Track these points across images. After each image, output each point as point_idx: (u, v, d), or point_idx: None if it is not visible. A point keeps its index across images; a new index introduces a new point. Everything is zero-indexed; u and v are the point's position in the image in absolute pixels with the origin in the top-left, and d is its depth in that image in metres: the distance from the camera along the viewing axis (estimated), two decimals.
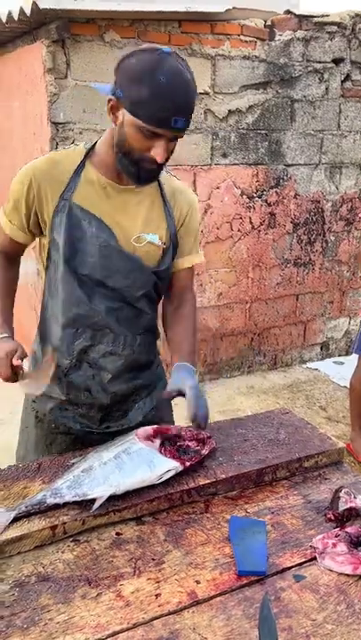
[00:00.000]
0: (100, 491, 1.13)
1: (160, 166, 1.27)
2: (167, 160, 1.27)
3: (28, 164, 1.38)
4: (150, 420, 1.47)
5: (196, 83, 1.24)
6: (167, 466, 1.20)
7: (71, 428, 1.48)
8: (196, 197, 1.50)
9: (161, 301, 1.53)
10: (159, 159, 1.23)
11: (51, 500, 1.11)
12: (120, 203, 1.36)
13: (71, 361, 1.41)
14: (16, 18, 3.05)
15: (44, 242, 1.41)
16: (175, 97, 1.18)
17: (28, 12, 2.90)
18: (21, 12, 2.97)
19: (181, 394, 1.33)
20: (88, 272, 1.35)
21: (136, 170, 1.27)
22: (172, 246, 1.44)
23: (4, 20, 3.20)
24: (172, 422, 1.61)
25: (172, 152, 1.28)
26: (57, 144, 3.14)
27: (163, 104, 1.17)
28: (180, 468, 1.21)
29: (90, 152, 1.36)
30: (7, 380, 1.30)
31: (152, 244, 1.39)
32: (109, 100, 1.24)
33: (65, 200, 1.33)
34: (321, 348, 4.47)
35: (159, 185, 1.41)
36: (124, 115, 1.22)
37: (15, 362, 1.27)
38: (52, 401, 1.47)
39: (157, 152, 1.22)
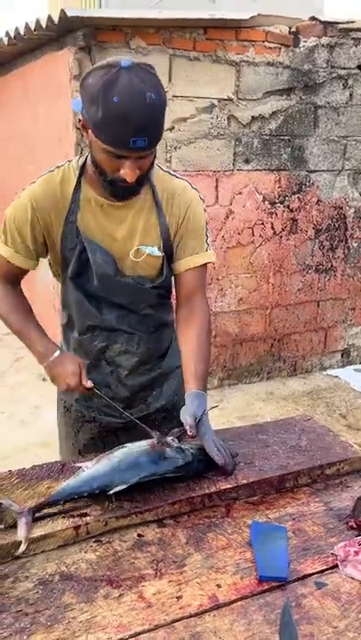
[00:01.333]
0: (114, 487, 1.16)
1: (138, 183, 1.25)
2: (145, 175, 1.26)
3: (25, 190, 1.38)
4: (173, 405, 1.52)
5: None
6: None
7: (96, 417, 1.53)
8: (195, 194, 1.43)
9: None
10: (129, 179, 1.21)
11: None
12: (118, 219, 1.36)
13: (91, 361, 1.47)
14: (44, 25, 3.11)
15: (53, 260, 1.44)
16: (130, 117, 1.12)
17: (55, 19, 2.95)
18: (49, 19, 3.03)
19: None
20: (94, 290, 1.40)
21: (113, 189, 1.27)
22: (167, 253, 1.41)
23: (32, 28, 3.26)
24: None
25: (149, 167, 1.26)
26: (82, 149, 3.18)
27: (117, 125, 1.13)
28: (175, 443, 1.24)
29: (83, 169, 1.35)
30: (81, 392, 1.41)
31: (151, 256, 1.38)
32: (80, 119, 1.22)
33: (71, 223, 1.35)
34: (342, 356, 4.43)
35: (152, 190, 1.38)
36: (91, 135, 1.20)
37: (85, 384, 1.36)
38: (77, 393, 1.52)
39: (126, 173, 1.20)
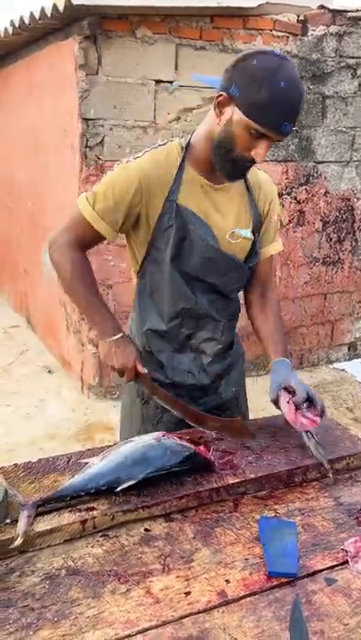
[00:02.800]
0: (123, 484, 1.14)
1: (252, 164, 1.32)
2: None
3: (129, 162, 1.37)
4: (236, 395, 1.61)
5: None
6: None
7: None
8: (275, 187, 1.54)
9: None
10: (259, 159, 1.28)
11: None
12: (216, 201, 1.41)
13: (175, 347, 1.49)
14: (49, 14, 3.07)
15: (136, 241, 1.44)
16: (291, 103, 1.21)
17: (60, 8, 2.92)
18: (54, 8, 2.99)
19: (288, 390, 1.38)
20: (189, 270, 1.42)
21: (231, 167, 1.32)
22: (256, 238, 1.49)
23: (36, 17, 3.22)
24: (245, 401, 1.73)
25: None
26: (87, 140, 3.15)
27: (279, 109, 1.20)
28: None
29: (186, 149, 1.39)
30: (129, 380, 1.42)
31: (245, 239, 1.45)
32: (219, 96, 1.26)
33: (171, 201, 1.37)
34: (349, 349, 4.41)
35: (244, 178, 1.44)
36: (234, 113, 1.24)
37: (141, 370, 1.39)
38: (155, 383, 1.50)
39: (259, 153, 1.26)
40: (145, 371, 1.40)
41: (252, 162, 1.30)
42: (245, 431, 1.42)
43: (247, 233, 1.45)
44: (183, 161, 1.37)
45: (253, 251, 1.49)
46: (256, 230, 1.48)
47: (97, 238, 1.42)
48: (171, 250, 1.39)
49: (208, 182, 1.39)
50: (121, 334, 1.40)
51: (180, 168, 1.37)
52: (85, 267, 1.43)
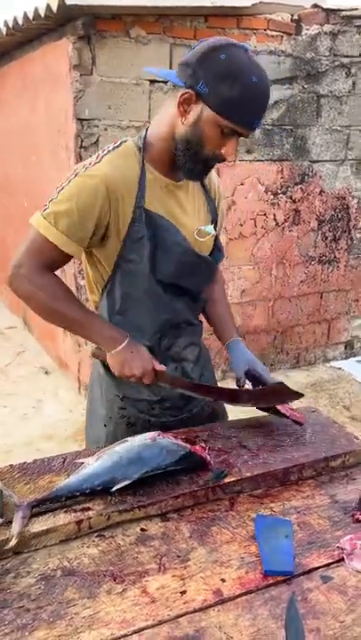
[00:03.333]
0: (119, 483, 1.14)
1: (220, 162, 1.29)
2: None
3: (87, 169, 1.25)
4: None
5: None
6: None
7: (165, 422, 1.46)
8: (215, 174, 1.50)
9: None
10: (230, 157, 1.24)
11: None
12: (179, 199, 1.35)
13: (158, 360, 1.39)
14: (42, 14, 3.07)
15: (102, 255, 1.33)
16: (262, 98, 1.19)
17: (54, 8, 2.91)
18: (48, 8, 2.98)
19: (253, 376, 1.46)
20: (164, 277, 1.34)
21: (199, 167, 1.27)
22: (217, 232, 1.48)
23: (30, 17, 3.22)
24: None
25: None
26: (82, 140, 3.14)
27: (253, 105, 1.17)
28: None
29: (143, 149, 1.30)
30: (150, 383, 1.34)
31: (209, 235, 1.41)
32: (184, 93, 1.19)
33: (140, 208, 1.28)
34: (345, 347, 4.41)
35: None
36: (203, 111, 1.18)
37: (159, 367, 1.33)
38: (142, 403, 1.45)
39: (229, 151, 1.23)
40: (163, 368, 1.33)
41: (222, 160, 1.25)
42: (289, 391, 1.43)
43: (211, 229, 1.40)
44: (143, 162, 1.29)
45: (216, 246, 1.45)
46: (215, 223, 1.44)
47: (65, 259, 1.30)
48: (148, 260, 1.30)
49: (170, 181, 1.32)
50: (128, 337, 1.31)
51: (142, 171, 1.28)
52: (60, 287, 1.30)
